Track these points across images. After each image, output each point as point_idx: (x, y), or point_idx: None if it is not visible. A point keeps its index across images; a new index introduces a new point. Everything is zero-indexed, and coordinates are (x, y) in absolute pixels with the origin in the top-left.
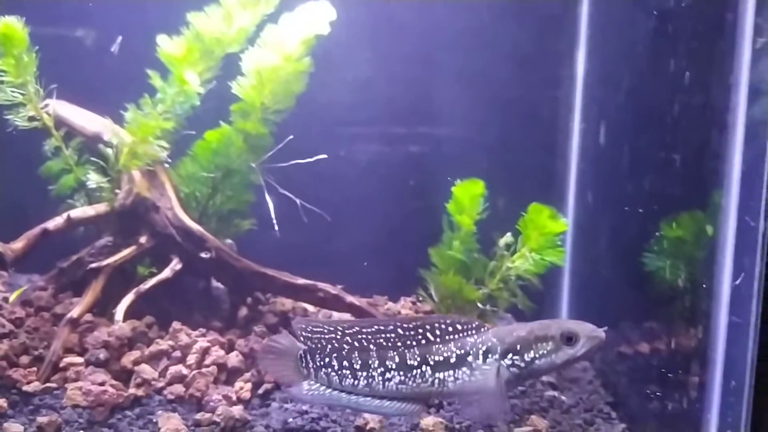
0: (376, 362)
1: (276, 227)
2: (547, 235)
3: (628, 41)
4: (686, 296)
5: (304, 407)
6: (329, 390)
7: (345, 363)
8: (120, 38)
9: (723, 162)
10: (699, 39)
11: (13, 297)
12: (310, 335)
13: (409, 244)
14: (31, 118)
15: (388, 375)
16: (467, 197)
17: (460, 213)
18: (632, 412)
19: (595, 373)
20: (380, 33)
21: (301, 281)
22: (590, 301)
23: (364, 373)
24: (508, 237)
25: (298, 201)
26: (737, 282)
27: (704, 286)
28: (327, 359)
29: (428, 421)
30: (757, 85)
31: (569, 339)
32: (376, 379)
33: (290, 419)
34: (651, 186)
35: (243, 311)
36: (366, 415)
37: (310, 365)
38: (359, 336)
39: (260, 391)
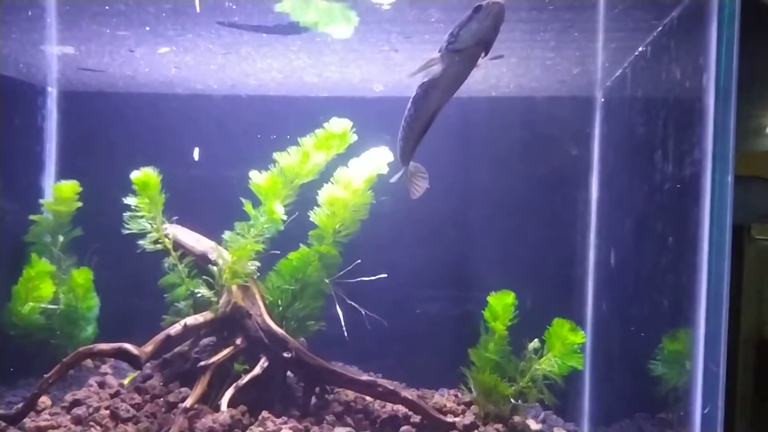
0: None
1: (345, 333)
2: (568, 345)
3: (626, 182)
4: (674, 408)
5: None
6: None
7: None
8: (197, 149)
9: (691, 325)
10: (675, 207)
11: (127, 381)
12: None
13: (453, 345)
14: (155, 242)
15: None
16: (500, 306)
17: (494, 319)
18: None
19: None
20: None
21: (364, 377)
22: (609, 397)
23: None
24: (536, 342)
25: (363, 311)
26: (705, 411)
27: (680, 411)
28: None
29: None
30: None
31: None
32: None
33: None
34: (649, 308)
35: (313, 400)
36: None
37: None
38: None
39: None
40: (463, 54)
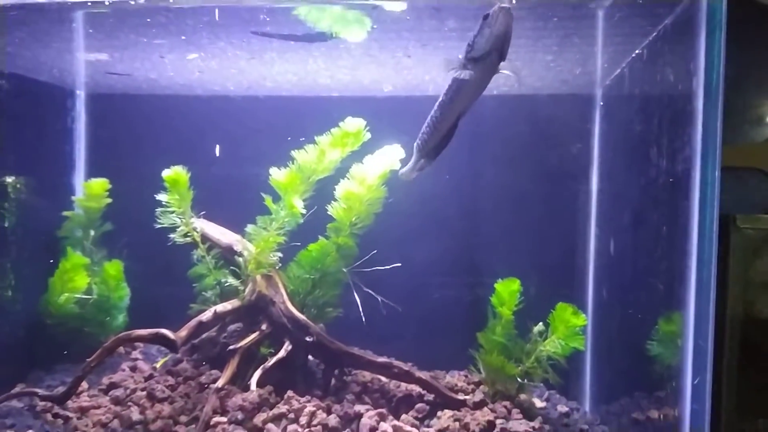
0: None
1: (363, 318)
2: (570, 328)
3: (624, 176)
4: (668, 383)
5: None
6: None
7: None
8: (218, 146)
9: (683, 306)
10: (668, 200)
11: (159, 364)
12: None
13: (462, 329)
14: (185, 235)
15: None
16: (507, 292)
17: (501, 305)
18: None
19: None
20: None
21: (381, 359)
22: (609, 376)
23: None
24: (540, 326)
25: (378, 298)
26: (695, 382)
27: (674, 384)
28: None
29: None
30: (705, 236)
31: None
32: None
33: None
34: (645, 293)
35: (333, 381)
36: None
37: None
38: None
39: None
40: (482, 62)
